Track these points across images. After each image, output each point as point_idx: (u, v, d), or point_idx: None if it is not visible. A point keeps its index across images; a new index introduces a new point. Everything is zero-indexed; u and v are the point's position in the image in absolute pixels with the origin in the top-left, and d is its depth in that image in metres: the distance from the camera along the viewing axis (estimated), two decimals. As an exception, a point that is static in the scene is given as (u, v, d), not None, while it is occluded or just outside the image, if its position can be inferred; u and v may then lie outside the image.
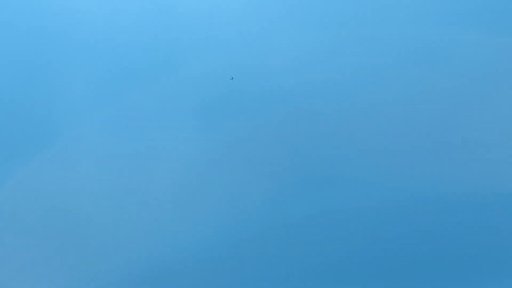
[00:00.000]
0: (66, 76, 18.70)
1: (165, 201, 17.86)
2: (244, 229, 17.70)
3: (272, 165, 18.06)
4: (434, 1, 19.32)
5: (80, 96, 18.50)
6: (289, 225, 17.60)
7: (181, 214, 17.83)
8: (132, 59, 18.99)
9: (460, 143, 18.06)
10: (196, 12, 19.57)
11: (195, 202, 17.93)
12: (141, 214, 17.66)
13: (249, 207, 17.63)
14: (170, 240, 17.77)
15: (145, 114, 18.47)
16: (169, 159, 18.19)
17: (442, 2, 19.23)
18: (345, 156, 18.47)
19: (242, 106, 18.73)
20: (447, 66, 18.75)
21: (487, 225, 17.40)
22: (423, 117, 18.41)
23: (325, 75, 18.84)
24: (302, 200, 17.73)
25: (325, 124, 18.29)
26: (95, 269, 17.08)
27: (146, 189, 17.91)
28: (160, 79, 18.86)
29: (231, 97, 18.78)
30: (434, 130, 18.05)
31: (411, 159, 17.94)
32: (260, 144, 18.32)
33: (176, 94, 18.92)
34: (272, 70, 19.14)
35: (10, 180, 17.41)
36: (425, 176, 18.04)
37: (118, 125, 18.50)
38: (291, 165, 18.23)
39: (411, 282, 17.07)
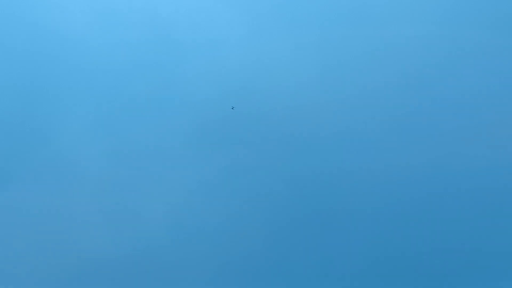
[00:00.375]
0: (63, 103, 18.73)
1: (161, 230, 17.90)
2: (242, 258, 17.82)
3: (271, 194, 18.12)
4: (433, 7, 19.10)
5: (76, 122, 18.56)
6: (288, 253, 17.67)
7: (178, 243, 17.87)
8: (129, 87, 18.98)
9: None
10: (195, 39, 19.47)
11: (192, 230, 18.05)
12: (136, 243, 17.75)
13: (247, 236, 17.72)
14: (165, 268, 17.89)
15: (142, 142, 18.52)
16: (166, 188, 18.25)
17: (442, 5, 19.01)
18: (347, 186, 18.49)
19: (241, 135, 18.74)
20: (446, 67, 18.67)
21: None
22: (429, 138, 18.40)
23: (326, 103, 18.81)
24: (301, 229, 17.81)
25: (326, 154, 18.28)
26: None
27: (141, 218, 17.98)
28: (157, 107, 18.86)
29: (230, 125, 18.77)
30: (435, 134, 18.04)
31: (411, 178, 17.96)
32: (258, 173, 18.38)
33: (173, 122, 18.93)
34: (272, 99, 19.11)
35: (4, 204, 17.52)
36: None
37: (114, 152, 18.53)
38: (291, 193, 18.29)
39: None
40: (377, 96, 19.11)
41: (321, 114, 18.75)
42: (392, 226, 17.91)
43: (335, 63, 19.11)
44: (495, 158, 18.12)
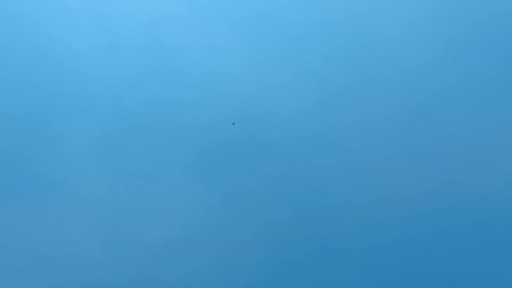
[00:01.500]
0: (67, 127, 18.98)
1: (160, 256, 17.76)
2: (243, 281, 17.51)
3: (272, 213, 18.07)
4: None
5: (79, 146, 18.75)
6: (289, 276, 17.40)
7: (177, 268, 17.68)
8: (132, 108, 19.28)
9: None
10: (198, 66, 19.86)
11: (193, 251, 17.92)
12: (138, 264, 17.60)
13: (248, 257, 17.54)
14: None
15: (144, 163, 18.65)
16: (166, 212, 18.24)
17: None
18: (348, 213, 18.44)
19: (241, 156, 18.88)
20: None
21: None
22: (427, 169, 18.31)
23: (326, 125, 19.00)
24: (302, 251, 17.64)
25: (326, 174, 18.33)
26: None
27: (141, 243, 17.86)
28: (159, 128, 19.10)
29: (231, 146, 18.95)
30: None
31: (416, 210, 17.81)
32: (259, 193, 18.40)
33: (175, 144, 19.11)
34: (273, 120, 19.31)
35: (8, 228, 17.48)
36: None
37: (117, 174, 18.63)
38: (291, 213, 18.23)
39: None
40: (376, 121, 19.22)
41: (322, 139, 18.83)
42: (394, 261, 17.57)
43: (336, 88, 19.29)
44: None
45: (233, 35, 19.75)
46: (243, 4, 19.96)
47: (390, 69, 19.39)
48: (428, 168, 18.57)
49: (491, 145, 18.52)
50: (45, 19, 20.03)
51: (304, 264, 17.90)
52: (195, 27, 20.25)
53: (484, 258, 17.50)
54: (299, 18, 20.33)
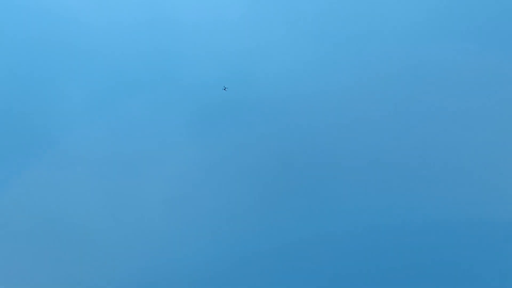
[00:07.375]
0: (63, 84, 18.98)
1: (158, 209, 17.86)
2: (236, 243, 17.55)
3: (268, 173, 18.14)
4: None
5: (76, 103, 18.73)
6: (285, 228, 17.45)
7: (174, 223, 17.77)
8: (128, 67, 19.34)
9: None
10: (192, 21, 19.97)
11: (188, 209, 17.97)
12: (135, 221, 17.67)
13: (245, 214, 17.60)
14: (161, 251, 17.58)
15: (139, 121, 18.70)
16: (163, 165, 18.32)
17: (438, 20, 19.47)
18: (340, 167, 18.48)
19: (235, 115, 18.96)
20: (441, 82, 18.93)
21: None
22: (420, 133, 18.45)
23: (320, 86, 19.05)
24: (294, 211, 17.73)
25: (319, 135, 18.41)
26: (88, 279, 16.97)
27: (140, 196, 17.96)
28: (155, 88, 19.17)
29: (225, 106, 19.06)
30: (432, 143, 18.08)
31: (407, 175, 17.90)
32: (256, 152, 18.45)
33: (170, 103, 19.20)
34: (266, 80, 19.40)
35: (5, 186, 17.45)
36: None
37: (112, 132, 18.69)
38: (284, 174, 18.31)
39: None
40: (372, 87, 19.13)
41: (316, 97, 18.71)
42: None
43: (333, 52, 19.20)
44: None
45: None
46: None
47: (393, 24, 19.22)
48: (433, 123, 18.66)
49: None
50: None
51: (301, 219, 17.90)
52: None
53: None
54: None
